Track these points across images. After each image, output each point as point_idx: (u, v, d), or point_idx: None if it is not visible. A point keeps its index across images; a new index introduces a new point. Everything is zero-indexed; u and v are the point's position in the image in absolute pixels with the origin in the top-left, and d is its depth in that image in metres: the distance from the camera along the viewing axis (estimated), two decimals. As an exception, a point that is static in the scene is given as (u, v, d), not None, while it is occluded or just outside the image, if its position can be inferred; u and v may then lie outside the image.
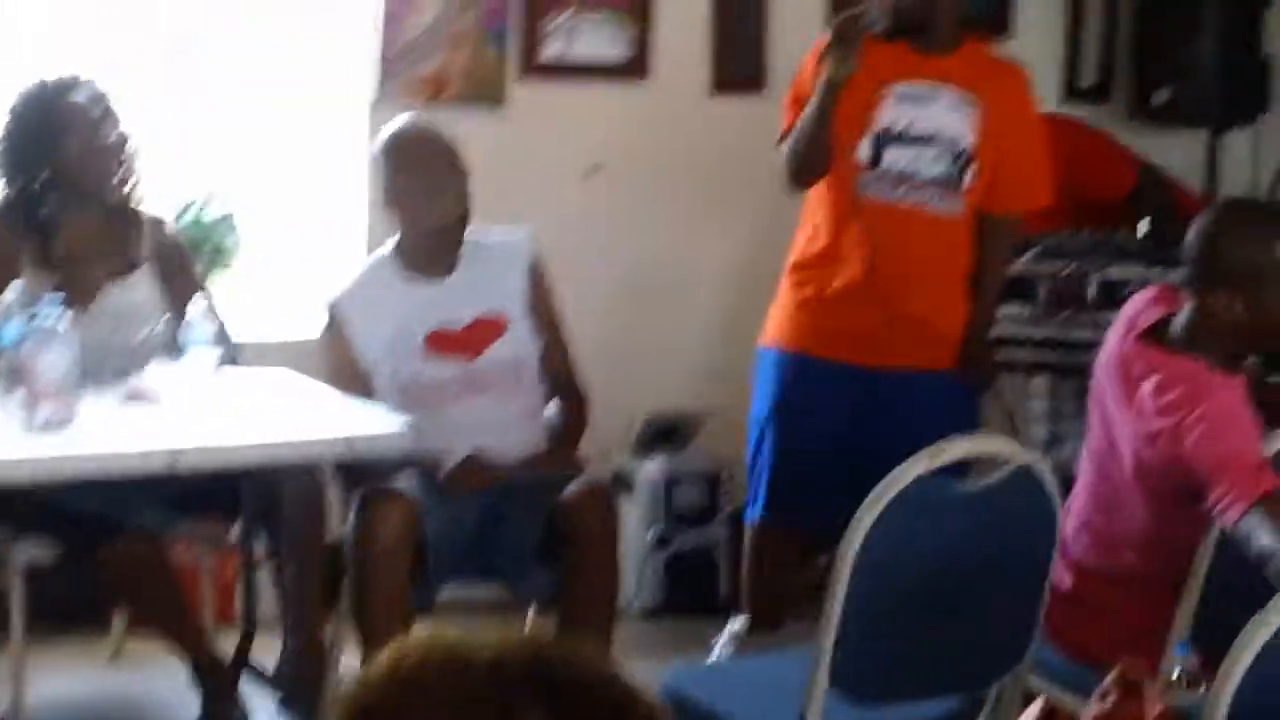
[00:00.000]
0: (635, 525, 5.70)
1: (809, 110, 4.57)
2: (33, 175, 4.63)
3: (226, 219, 5.82)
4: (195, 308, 4.30)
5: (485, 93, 5.80)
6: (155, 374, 4.31)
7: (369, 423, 4.23)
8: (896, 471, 3.27)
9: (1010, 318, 5.36)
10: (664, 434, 5.93)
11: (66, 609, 4.82)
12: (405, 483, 4.35)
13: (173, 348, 4.28)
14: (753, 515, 4.88)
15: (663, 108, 6.07)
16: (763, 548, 4.90)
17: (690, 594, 5.81)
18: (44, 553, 4.38)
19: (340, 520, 4.43)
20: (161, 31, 5.69)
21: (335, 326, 4.62)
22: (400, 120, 4.74)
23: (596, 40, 5.94)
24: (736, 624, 4.88)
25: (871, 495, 3.26)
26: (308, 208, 5.94)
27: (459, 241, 4.63)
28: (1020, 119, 4.77)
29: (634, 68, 6.02)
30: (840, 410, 4.70)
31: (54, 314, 4.02)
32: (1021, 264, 5.44)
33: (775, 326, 4.83)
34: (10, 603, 4.39)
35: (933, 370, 4.72)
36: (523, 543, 4.41)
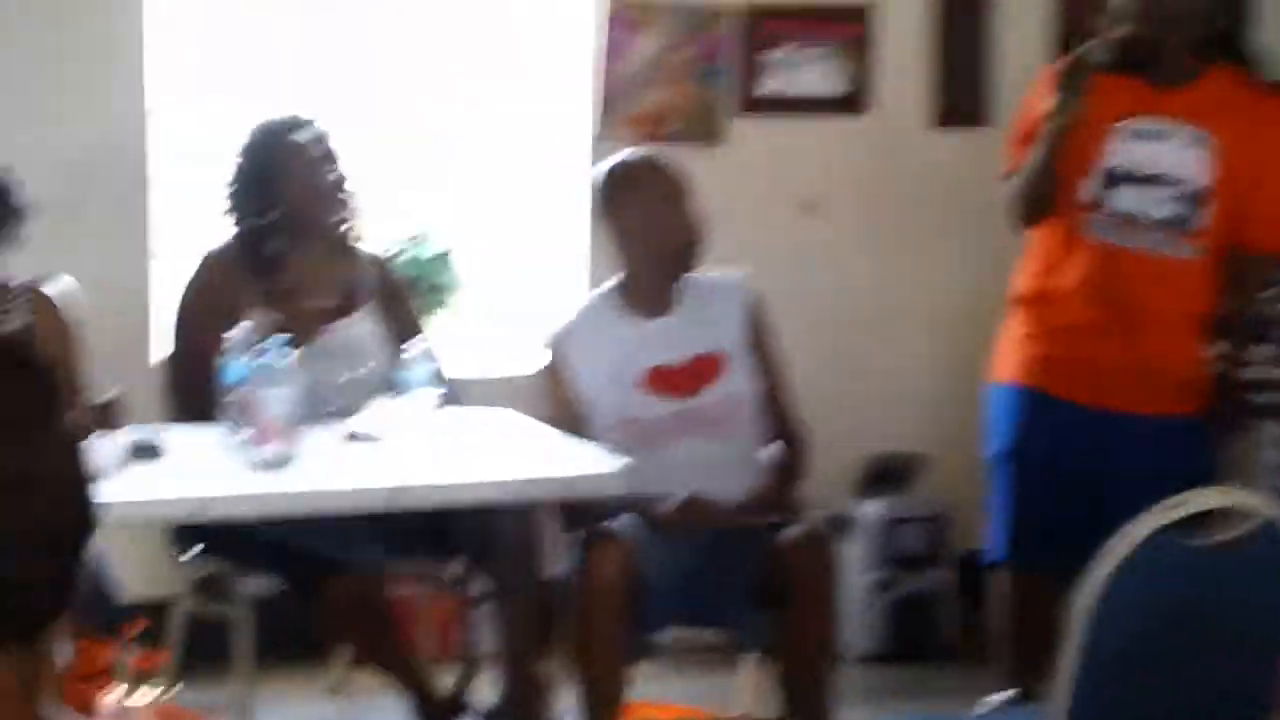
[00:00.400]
0: (856, 568, 5.62)
1: (1036, 151, 4.46)
2: (258, 214, 4.68)
3: (443, 256, 5.84)
4: (414, 346, 4.31)
5: (702, 129, 5.78)
6: (375, 412, 4.33)
7: (588, 463, 4.20)
8: (1135, 523, 3.17)
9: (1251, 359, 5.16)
10: (886, 475, 5.85)
11: (291, 641, 4.85)
12: (624, 524, 4.32)
13: (392, 386, 4.28)
14: (995, 555, 4.74)
15: (883, 142, 6.01)
16: (1014, 593, 4.77)
17: (913, 640, 5.72)
18: (269, 585, 4.43)
19: (559, 560, 4.41)
20: (381, 69, 5.73)
21: (555, 364, 4.61)
22: (626, 153, 4.73)
23: (816, 75, 5.90)
24: (1003, 694, 4.69)
25: (1107, 547, 3.16)
26: (529, 244, 5.95)
27: (682, 276, 4.60)
28: (1273, 152, 4.53)
29: (853, 102, 5.97)
30: (1080, 451, 4.56)
31: (279, 352, 4.05)
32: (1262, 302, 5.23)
33: (1009, 362, 4.69)
34: (237, 634, 4.44)
35: (1170, 414, 4.56)
36: (740, 588, 4.36)
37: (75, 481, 1.71)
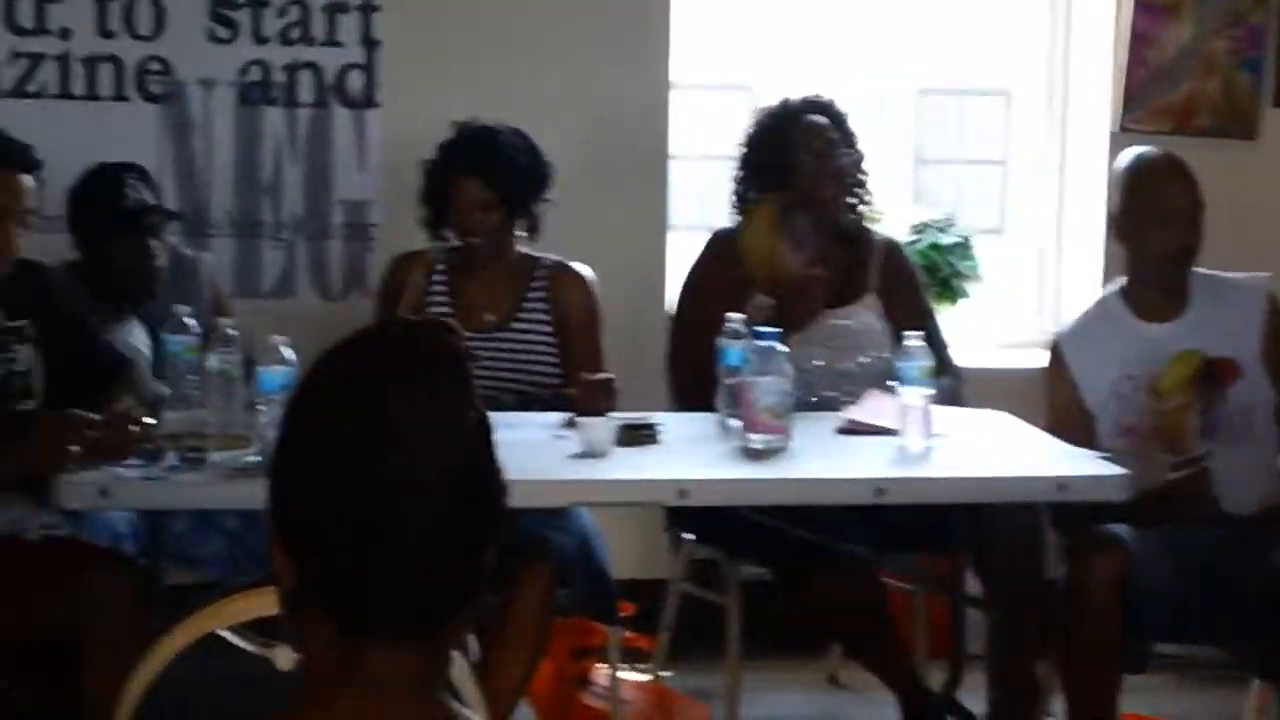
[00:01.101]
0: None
1: None
2: (768, 189, 4.66)
3: (963, 244, 5.75)
4: (915, 337, 4.23)
5: (1236, 124, 5.53)
6: (870, 403, 4.27)
7: (1084, 466, 4.06)
8: None
9: None
10: None
11: (782, 630, 4.84)
12: (1121, 531, 4.15)
13: (890, 377, 4.22)
14: None
15: None
16: None
17: None
18: (760, 573, 4.42)
19: (1056, 564, 4.28)
20: (900, 52, 5.68)
21: (1060, 363, 4.46)
22: (1142, 149, 4.55)
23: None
24: None
25: None
26: (1049, 237, 5.81)
27: (1184, 277, 4.40)
28: None
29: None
30: None
31: (774, 339, 4.03)
32: None
33: None
34: (728, 620, 4.45)
35: None
36: (1244, 603, 4.14)
37: (487, 472, 1.70)
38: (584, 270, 4.64)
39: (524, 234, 4.60)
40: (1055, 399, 4.45)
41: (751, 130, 4.76)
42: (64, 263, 4.58)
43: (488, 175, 4.50)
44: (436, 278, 4.61)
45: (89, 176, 4.64)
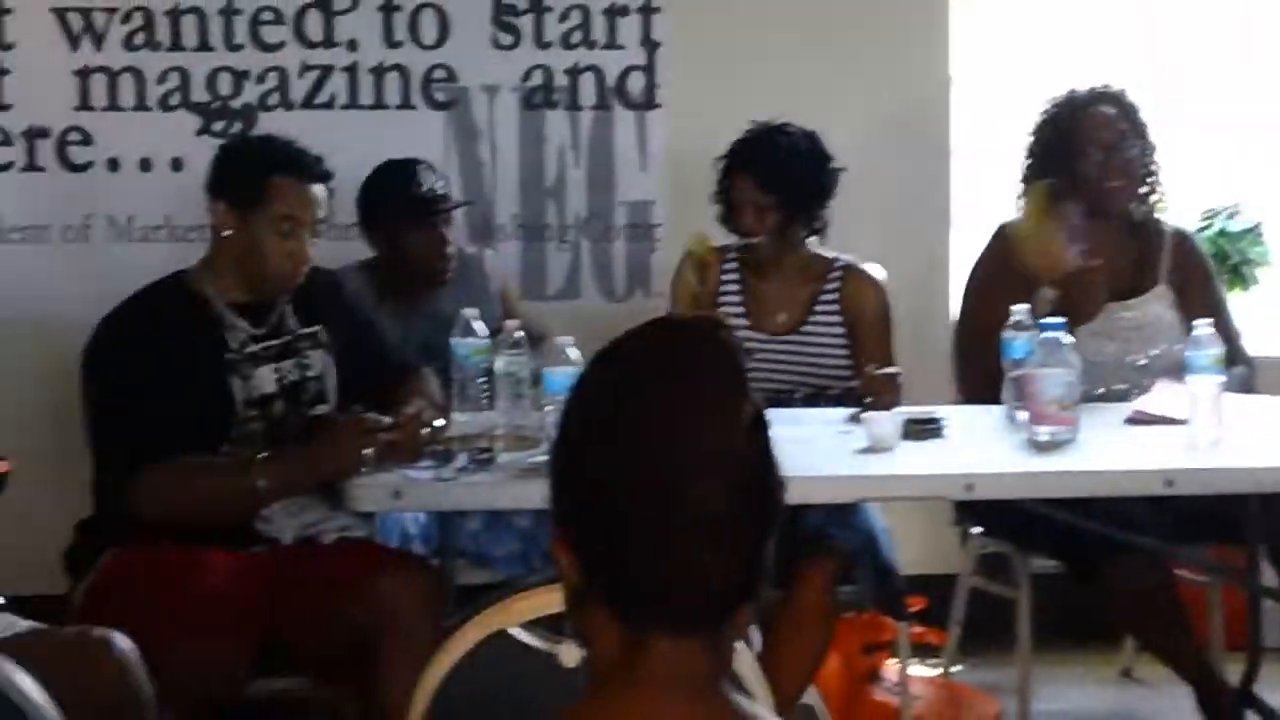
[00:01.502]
0: None
1: None
2: (1055, 181, 4.61)
3: (1254, 230, 5.62)
4: (1206, 326, 4.14)
5: None
6: (1159, 394, 4.21)
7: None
8: None
9: None
10: None
11: (1073, 623, 4.80)
12: None
13: (1180, 367, 4.14)
14: None
15: None
16: None
17: None
18: (1050, 566, 4.38)
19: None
20: (1189, 41, 5.56)
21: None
22: None
23: None
24: None
25: None
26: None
27: None
28: None
29: None
30: None
31: (1060, 331, 3.98)
32: None
33: None
34: (1019, 614, 4.42)
35: None
36: None
37: (765, 465, 1.71)
38: (876, 270, 4.63)
39: (808, 235, 4.60)
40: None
41: (1038, 122, 4.70)
42: (355, 264, 4.70)
43: (764, 176, 4.51)
44: (729, 277, 4.63)
45: (381, 169, 4.76)
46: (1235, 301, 5.01)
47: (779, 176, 4.50)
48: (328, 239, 4.12)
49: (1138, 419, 4.16)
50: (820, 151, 4.56)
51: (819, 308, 4.56)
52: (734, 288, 4.62)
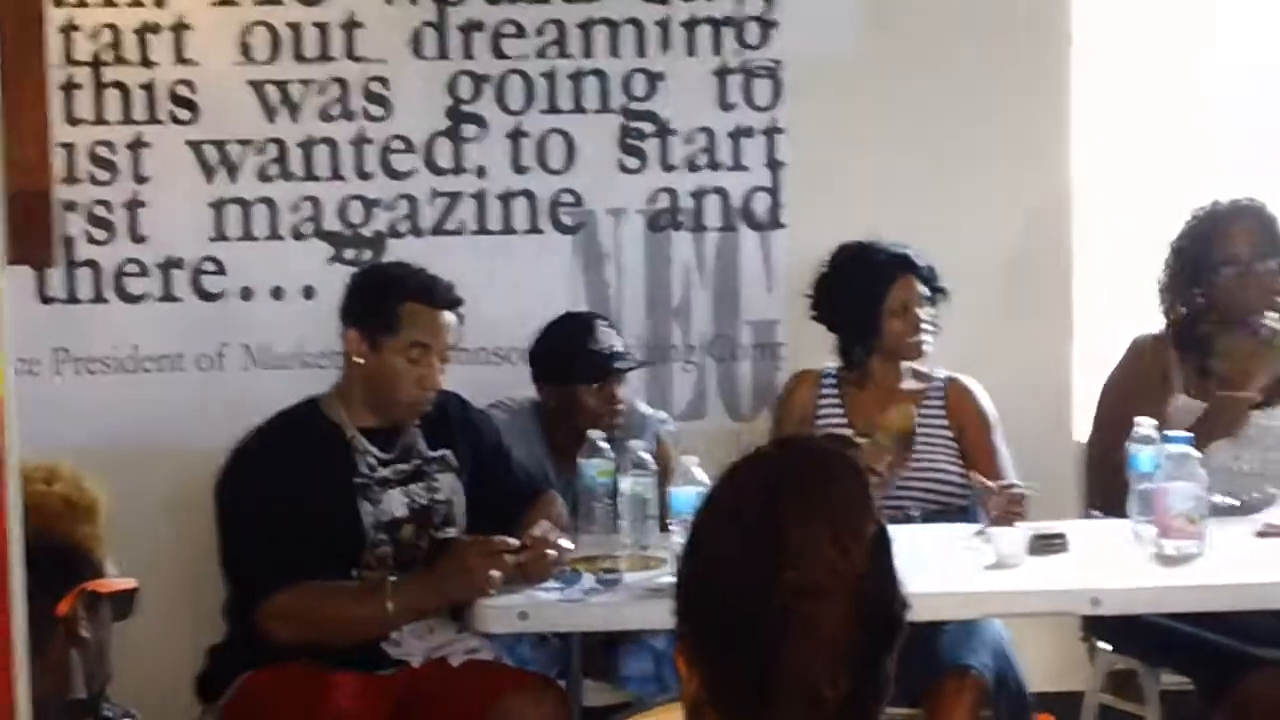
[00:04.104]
0: None
1: None
2: (1191, 299, 4.61)
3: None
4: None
5: None
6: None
7: None
8: None
9: None
10: None
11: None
12: None
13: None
14: None
15: None
16: None
17: None
18: (1180, 682, 4.34)
19: None
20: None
21: None
22: None
23: None
24: None
25: None
26: None
27: None
28: None
29: None
30: None
31: (1186, 443, 3.98)
32: None
33: None
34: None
35: None
36: None
37: (886, 583, 1.73)
38: (973, 382, 4.68)
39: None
40: None
41: (1181, 232, 4.70)
42: (530, 402, 4.74)
43: (926, 279, 4.65)
44: (827, 392, 4.67)
45: (558, 323, 4.78)
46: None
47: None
48: (458, 363, 4.18)
49: (1269, 532, 4.13)
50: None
51: (924, 418, 4.57)
52: (834, 403, 4.66)
